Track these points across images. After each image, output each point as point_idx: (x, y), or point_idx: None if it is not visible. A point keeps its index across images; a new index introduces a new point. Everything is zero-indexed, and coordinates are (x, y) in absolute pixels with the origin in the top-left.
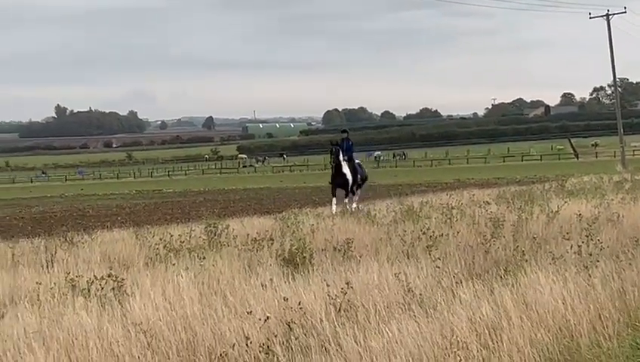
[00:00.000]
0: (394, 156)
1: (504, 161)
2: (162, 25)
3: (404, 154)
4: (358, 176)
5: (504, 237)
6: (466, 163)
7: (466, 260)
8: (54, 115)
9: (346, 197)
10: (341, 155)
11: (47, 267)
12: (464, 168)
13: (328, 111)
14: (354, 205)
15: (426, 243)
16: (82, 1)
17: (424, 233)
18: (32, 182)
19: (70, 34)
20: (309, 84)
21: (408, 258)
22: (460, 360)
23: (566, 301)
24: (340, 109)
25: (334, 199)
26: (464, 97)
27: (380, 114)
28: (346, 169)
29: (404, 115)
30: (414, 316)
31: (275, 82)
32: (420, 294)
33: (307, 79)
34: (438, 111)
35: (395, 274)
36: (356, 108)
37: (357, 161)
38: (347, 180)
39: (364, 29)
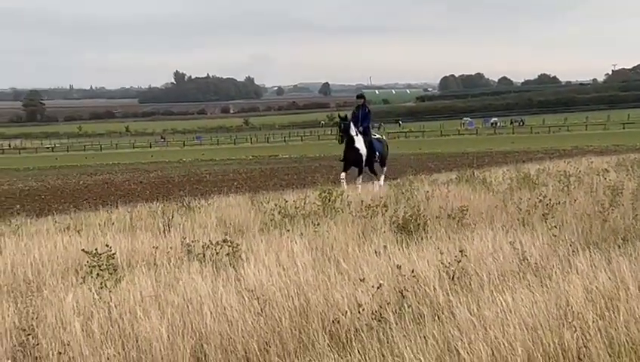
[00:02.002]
0: (511, 123)
1: (624, 128)
2: None
3: (521, 121)
4: (376, 153)
5: (623, 205)
6: (584, 130)
7: (583, 229)
8: (173, 80)
9: (359, 175)
10: (353, 129)
11: (164, 231)
12: (583, 135)
13: (445, 77)
14: (381, 182)
15: (543, 211)
16: None
17: (540, 201)
18: (151, 147)
19: (189, 0)
20: (426, 50)
21: (524, 226)
22: (576, 330)
23: None
24: (457, 75)
25: (343, 174)
26: (583, 63)
27: (497, 80)
28: (359, 143)
29: (522, 81)
30: (529, 285)
31: (391, 48)
32: (535, 263)
33: (424, 44)
34: (557, 77)
35: (510, 243)
36: (473, 74)
37: (376, 136)
38: (360, 155)
39: None
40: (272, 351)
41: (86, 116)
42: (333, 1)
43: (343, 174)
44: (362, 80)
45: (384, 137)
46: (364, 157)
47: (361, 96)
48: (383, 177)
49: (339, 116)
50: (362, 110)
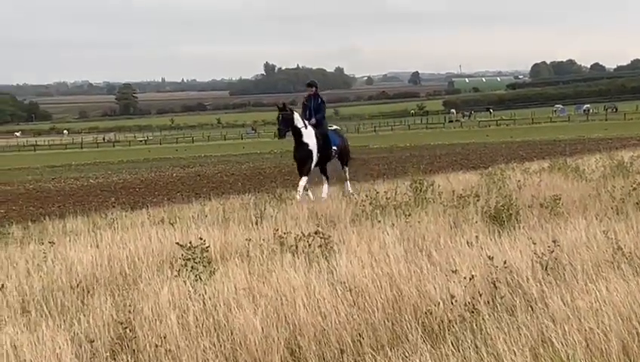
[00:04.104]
0: (604, 109)
1: None
2: None
3: (614, 107)
4: (333, 148)
5: None
6: None
7: None
8: (263, 72)
9: (305, 174)
10: (298, 120)
11: (257, 223)
12: None
13: (536, 64)
14: (348, 187)
15: (637, 199)
16: None
17: (635, 188)
18: (242, 138)
19: None
20: (517, 37)
21: (618, 214)
22: None
23: None
24: (548, 62)
25: (303, 180)
26: None
27: (589, 66)
28: (309, 138)
29: (615, 66)
30: (623, 275)
31: (481, 36)
32: (630, 252)
33: (515, 32)
34: None
35: (603, 232)
36: (564, 60)
37: (333, 127)
38: (309, 151)
39: None
40: (365, 342)
41: (178, 109)
42: None
43: (303, 180)
44: (452, 68)
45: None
46: (314, 154)
47: (311, 85)
48: (348, 183)
49: (277, 107)
50: (314, 100)
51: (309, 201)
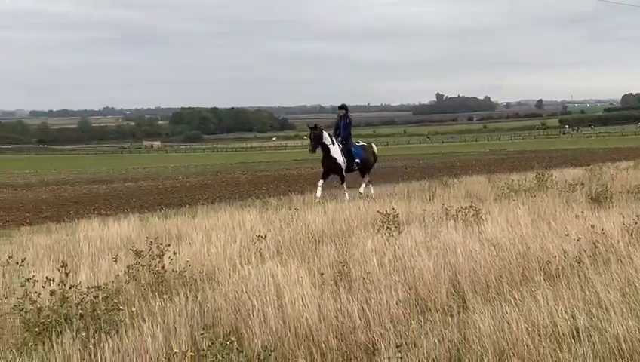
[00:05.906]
0: None
1: None
2: (507, 38)
3: None
4: (356, 160)
5: None
6: None
7: None
8: (435, 99)
9: (342, 182)
10: (327, 138)
11: (430, 199)
12: None
13: (625, 94)
14: (361, 190)
15: None
16: (447, 22)
17: None
18: (420, 143)
19: (443, 43)
20: (612, 75)
21: None
22: None
23: None
24: (634, 93)
25: (321, 181)
26: None
27: None
28: (335, 153)
29: None
30: None
31: (586, 74)
32: None
33: (610, 71)
34: None
35: None
36: None
37: (359, 143)
38: (337, 164)
39: None
40: (504, 281)
41: (377, 123)
42: (539, 45)
43: (320, 181)
44: (566, 97)
45: (374, 146)
46: (342, 165)
47: (342, 107)
48: (363, 185)
49: (308, 126)
50: (343, 120)
51: (347, 195)
